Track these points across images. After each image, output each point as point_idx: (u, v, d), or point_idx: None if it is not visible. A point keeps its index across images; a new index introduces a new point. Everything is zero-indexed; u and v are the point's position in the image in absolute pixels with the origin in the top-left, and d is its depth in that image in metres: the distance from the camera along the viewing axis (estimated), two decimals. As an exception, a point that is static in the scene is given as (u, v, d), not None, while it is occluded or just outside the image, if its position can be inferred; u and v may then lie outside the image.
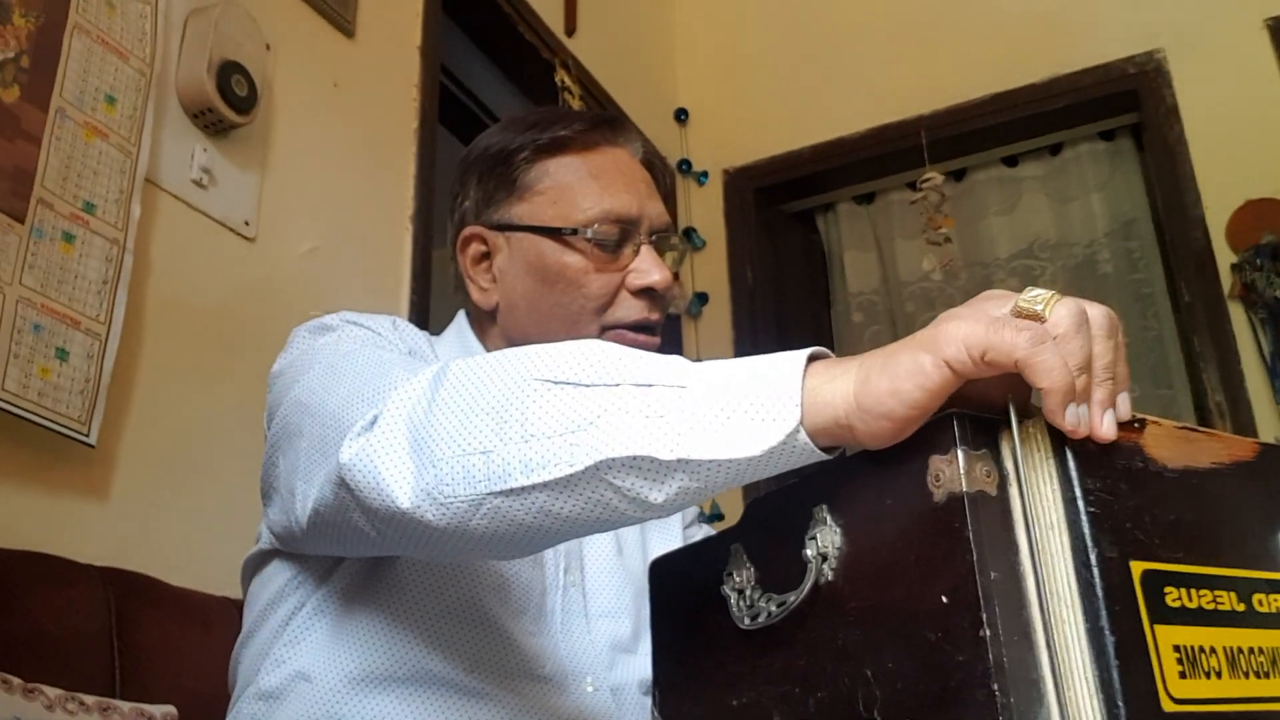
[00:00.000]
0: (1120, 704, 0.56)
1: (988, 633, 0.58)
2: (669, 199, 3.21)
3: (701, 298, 3.22)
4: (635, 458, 0.67)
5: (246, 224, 1.71)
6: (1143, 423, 0.64)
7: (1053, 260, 3.28)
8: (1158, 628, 0.59)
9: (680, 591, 0.82)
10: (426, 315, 2.05)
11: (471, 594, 0.97)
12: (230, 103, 1.62)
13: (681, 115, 3.40)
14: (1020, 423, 0.62)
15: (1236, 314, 2.67)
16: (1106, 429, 0.61)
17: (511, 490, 0.71)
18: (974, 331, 0.60)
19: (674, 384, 0.68)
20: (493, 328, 1.13)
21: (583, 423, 0.69)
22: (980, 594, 0.58)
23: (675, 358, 0.72)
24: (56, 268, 1.37)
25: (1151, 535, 0.61)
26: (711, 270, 3.26)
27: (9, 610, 1.18)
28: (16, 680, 1.09)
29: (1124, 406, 0.62)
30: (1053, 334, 0.60)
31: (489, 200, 1.12)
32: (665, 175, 1.20)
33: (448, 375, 0.77)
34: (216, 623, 1.43)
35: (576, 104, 2.71)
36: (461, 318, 1.17)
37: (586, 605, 1.06)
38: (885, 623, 0.64)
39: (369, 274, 1.97)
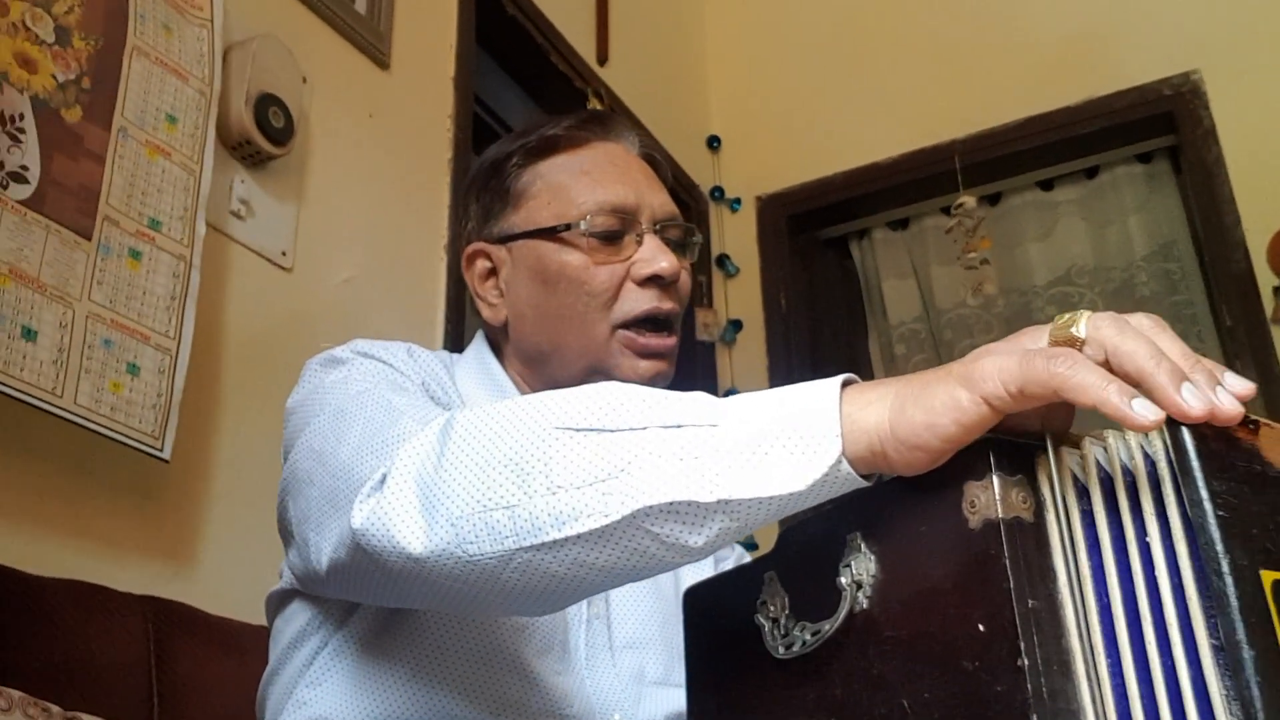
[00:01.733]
0: (1261, 722, 0.53)
1: (1026, 662, 0.57)
2: (685, 202, 3.22)
3: (735, 325, 3.21)
4: (674, 503, 0.65)
5: (284, 254, 1.73)
6: (1256, 424, 0.60)
7: (1091, 286, 3.25)
8: (1292, 642, 0.56)
9: (714, 621, 0.82)
10: (462, 344, 2.05)
11: (493, 636, 0.95)
12: (268, 135, 1.65)
13: (714, 142, 3.41)
14: (1057, 448, 0.62)
15: (1280, 338, 2.63)
16: (1228, 406, 0.56)
17: (543, 544, 0.68)
18: (1009, 367, 0.59)
19: (705, 423, 0.66)
20: (507, 344, 1.11)
21: (614, 470, 0.67)
22: (1018, 622, 0.58)
23: (700, 395, 0.70)
24: (125, 284, 1.40)
25: (1278, 543, 0.58)
26: (745, 298, 3.26)
27: (50, 638, 1.19)
28: (56, 709, 1.10)
29: (1240, 386, 0.58)
30: (1100, 351, 0.59)
31: (487, 214, 1.11)
32: (667, 169, 1.16)
33: (454, 429, 0.75)
34: (253, 652, 1.43)
35: (609, 133, 2.72)
36: (480, 337, 1.15)
37: (611, 638, 1.03)
38: (922, 652, 0.63)
39: (405, 303, 1.99)
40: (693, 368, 3.04)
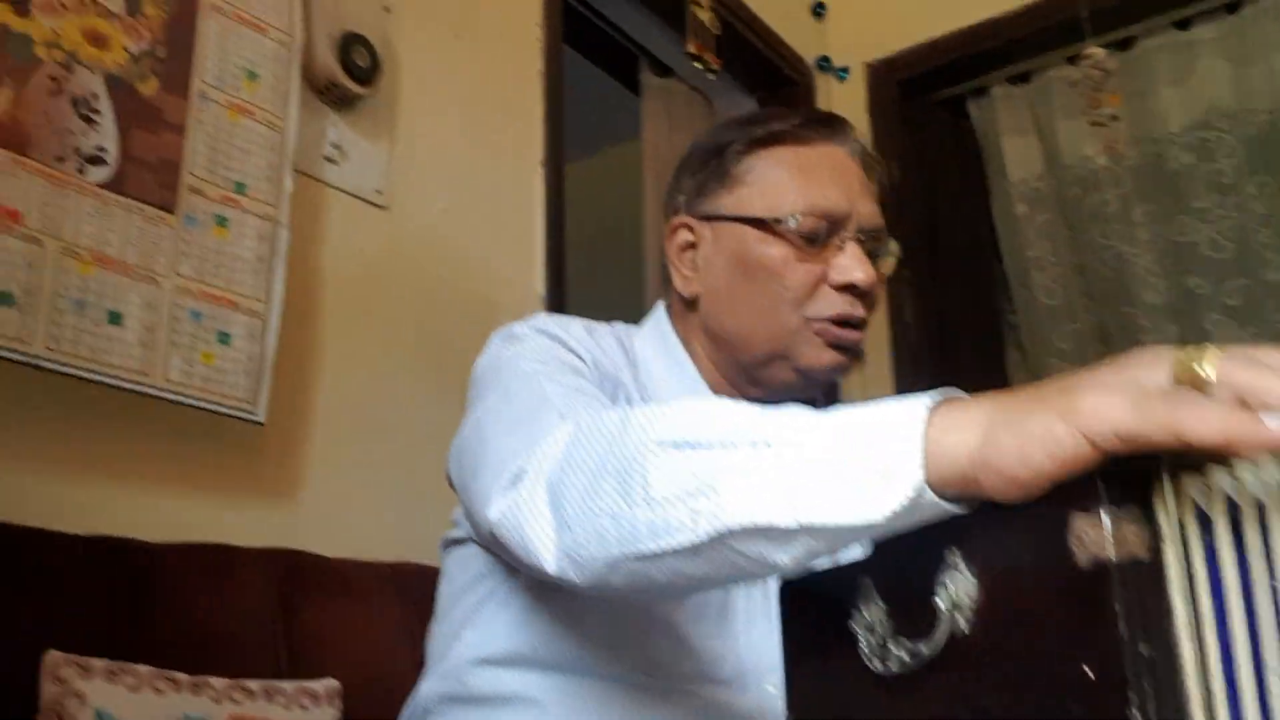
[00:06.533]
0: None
1: (1138, 716, 0.53)
2: (790, 78, 3.09)
3: (847, 202, 3.10)
4: (756, 526, 0.65)
5: (378, 192, 1.71)
6: None
7: (1232, 130, 3.02)
8: None
9: (811, 620, 0.79)
10: (562, 260, 2.03)
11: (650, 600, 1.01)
12: (353, 75, 1.62)
13: (819, 9, 3.23)
14: (1176, 475, 0.56)
15: None
16: None
17: (641, 555, 0.71)
18: (1121, 409, 0.53)
19: (791, 442, 0.66)
20: (692, 317, 1.15)
21: (702, 486, 0.68)
22: (1129, 671, 0.53)
23: (795, 409, 0.69)
24: (211, 252, 1.39)
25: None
26: (856, 172, 3.13)
27: (175, 605, 1.24)
28: (183, 676, 1.15)
29: None
30: (1229, 395, 0.53)
31: (699, 191, 1.15)
32: (883, 176, 1.18)
33: (579, 433, 0.79)
34: (375, 592, 1.47)
35: (706, 15, 2.60)
36: (660, 310, 1.20)
37: (770, 606, 1.06)
38: (1026, 689, 0.59)
39: (501, 225, 1.96)
40: (805, 250, 2.95)
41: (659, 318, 1.19)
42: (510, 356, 1.03)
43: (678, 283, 1.15)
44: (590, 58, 3.00)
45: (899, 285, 2.97)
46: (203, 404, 1.35)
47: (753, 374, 1.11)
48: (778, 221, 1.07)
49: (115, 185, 1.28)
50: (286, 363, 1.49)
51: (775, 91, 3.11)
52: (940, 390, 0.64)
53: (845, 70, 3.19)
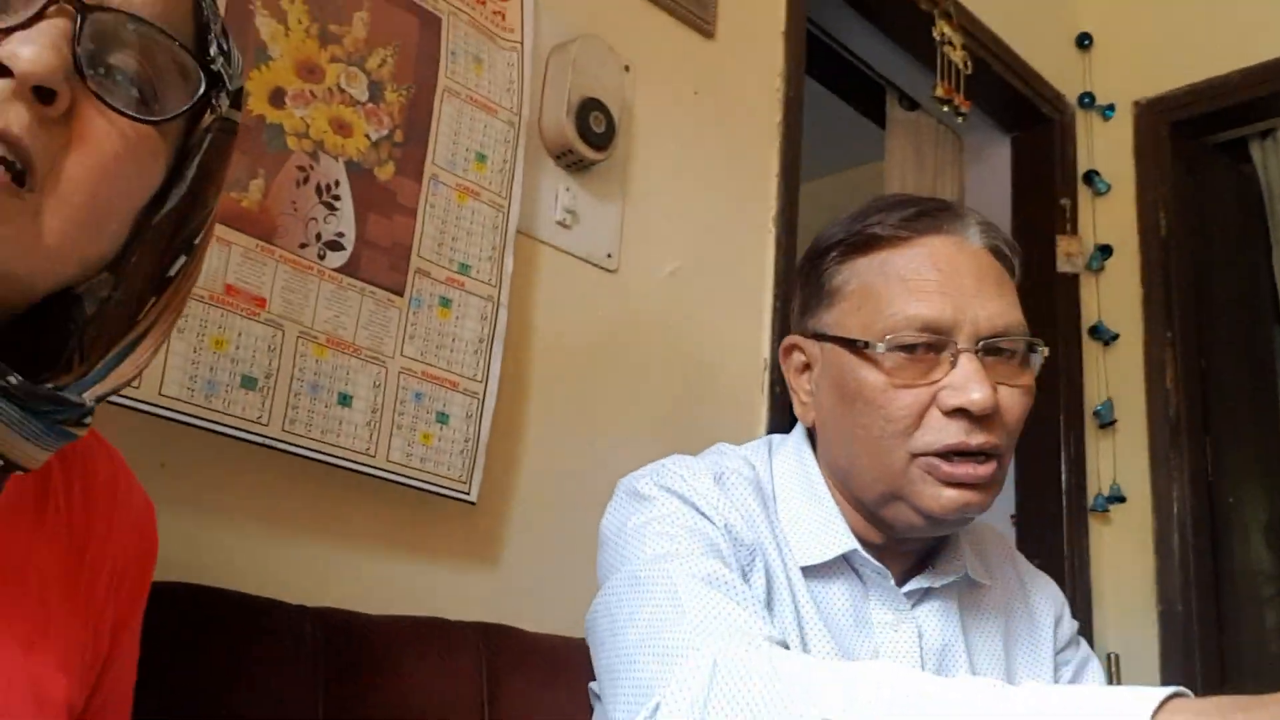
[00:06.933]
0: None
1: None
2: (1047, 116, 2.89)
3: (1104, 250, 2.89)
4: None
5: (609, 256, 1.70)
6: None
7: None
8: None
9: None
10: (790, 324, 1.96)
11: None
12: (589, 141, 1.61)
13: (1085, 40, 3.03)
14: None
15: None
16: None
17: None
18: None
19: None
20: (818, 443, 1.06)
21: None
22: None
23: (983, 688, 0.61)
24: (435, 333, 1.40)
25: None
26: (1117, 218, 2.91)
27: (389, 680, 1.25)
28: (389, 766, 1.16)
29: None
30: None
31: (806, 305, 1.05)
32: (1016, 260, 1.02)
33: (717, 682, 0.73)
34: (574, 669, 1.46)
35: (957, 55, 2.48)
36: (800, 427, 1.09)
37: None
38: None
39: (730, 284, 1.91)
40: (1053, 302, 2.78)
41: (799, 440, 1.08)
42: (637, 527, 0.95)
43: (797, 409, 1.06)
44: (831, 88, 2.92)
45: (1161, 347, 2.74)
46: (420, 484, 1.37)
47: (874, 514, 1.00)
48: (866, 345, 0.95)
49: (350, 269, 1.31)
50: (499, 433, 1.50)
51: (1031, 129, 2.94)
52: (1157, 690, 0.56)
53: (1111, 108, 2.97)
